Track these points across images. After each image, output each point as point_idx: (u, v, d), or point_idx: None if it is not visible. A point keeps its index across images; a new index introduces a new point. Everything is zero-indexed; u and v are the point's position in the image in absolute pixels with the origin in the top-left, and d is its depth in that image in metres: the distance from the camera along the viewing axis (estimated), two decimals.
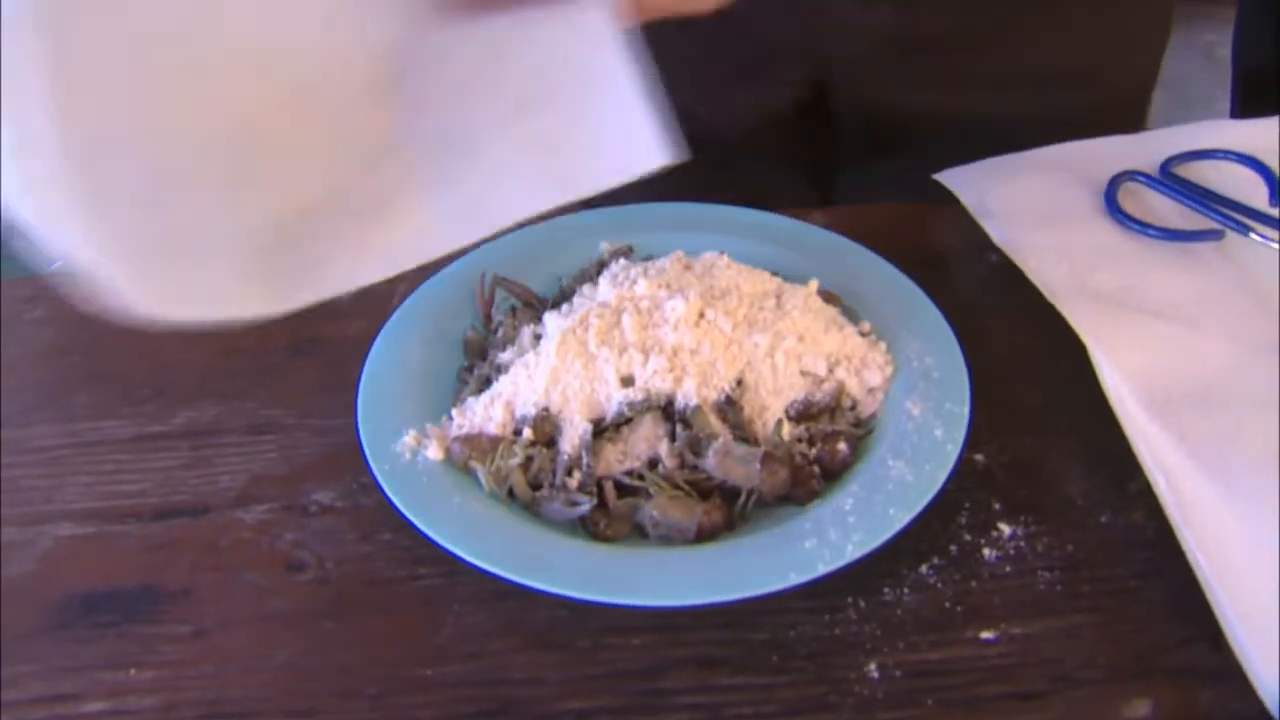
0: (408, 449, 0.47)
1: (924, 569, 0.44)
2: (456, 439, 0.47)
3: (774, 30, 0.64)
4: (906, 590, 0.44)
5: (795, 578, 0.41)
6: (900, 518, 0.43)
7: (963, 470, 0.47)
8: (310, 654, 0.42)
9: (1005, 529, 0.46)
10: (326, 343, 0.57)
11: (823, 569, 0.41)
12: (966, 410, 0.47)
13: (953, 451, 0.45)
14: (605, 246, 0.58)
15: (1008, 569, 0.44)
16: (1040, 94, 0.66)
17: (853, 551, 0.41)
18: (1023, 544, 0.45)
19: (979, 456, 0.49)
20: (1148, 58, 0.74)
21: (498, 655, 0.42)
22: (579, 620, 0.42)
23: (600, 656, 0.42)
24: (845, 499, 0.44)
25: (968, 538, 0.46)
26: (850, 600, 0.43)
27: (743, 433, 0.47)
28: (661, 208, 0.61)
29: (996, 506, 0.47)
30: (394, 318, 0.53)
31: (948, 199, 0.61)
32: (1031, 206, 0.59)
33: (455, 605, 0.44)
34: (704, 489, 0.46)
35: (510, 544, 0.42)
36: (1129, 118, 0.74)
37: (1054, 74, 0.66)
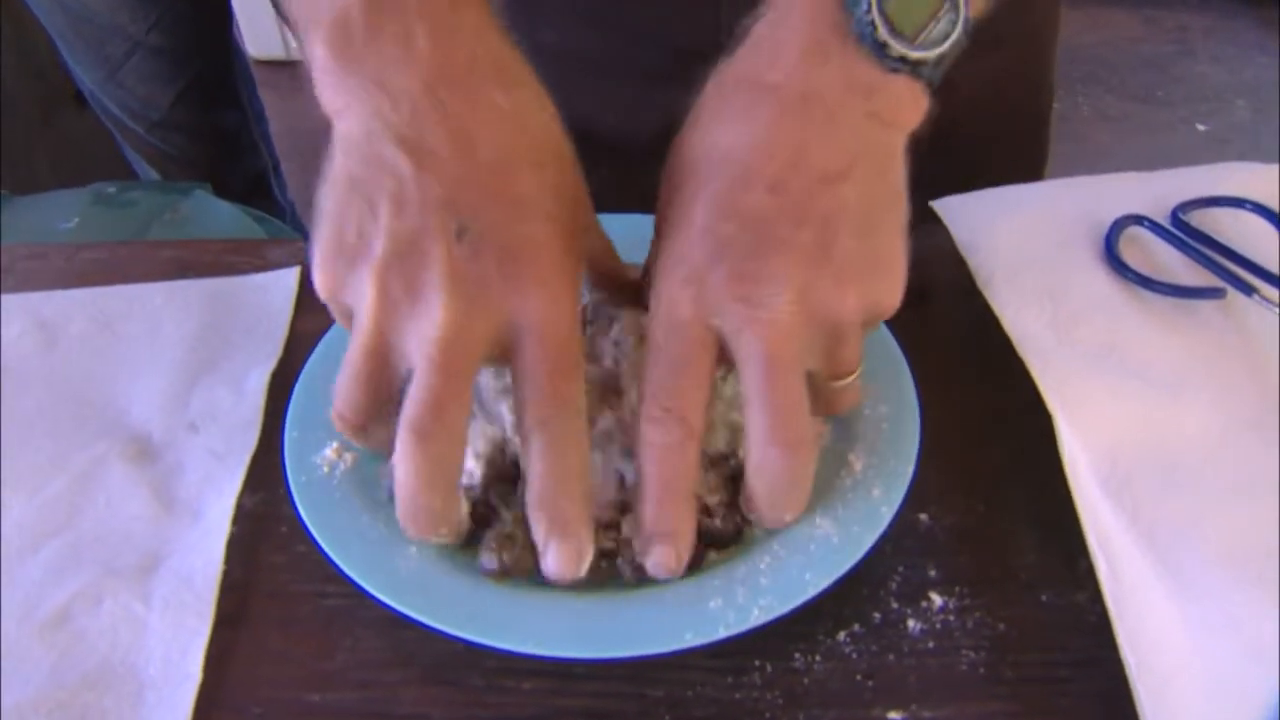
0: (327, 462, 0.46)
1: (841, 636, 0.42)
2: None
3: (684, 36, 0.61)
4: (818, 658, 0.42)
5: (692, 639, 0.39)
6: (815, 583, 0.40)
7: (903, 530, 0.45)
8: (206, 662, 0.42)
9: (937, 599, 0.44)
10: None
11: (723, 632, 0.39)
12: (910, 470, 0.44)
13: (887, 514, 0.43)
14: None
15: (930, 644, 0.42)
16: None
17: (758, 616, 0.39)
18: (952, 618, 0.43)
19: (923, 516, 0.47)
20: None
21: (389, 687, 0.41)
22: (474, 658, 0.41)
23: (489, 699, 0.41)
24: (762, 557, 0.42)
25: (895, 605, 0.43)
26: (757, 663, 0.41)
27: None
28: None
29: (932, 573, 0.45)
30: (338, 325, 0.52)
31: (939, 226, 0.58)
32: (1024, 246, 0.55)
33: (356, 629, 0.43)
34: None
35: (407, 574, 0.41)
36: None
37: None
